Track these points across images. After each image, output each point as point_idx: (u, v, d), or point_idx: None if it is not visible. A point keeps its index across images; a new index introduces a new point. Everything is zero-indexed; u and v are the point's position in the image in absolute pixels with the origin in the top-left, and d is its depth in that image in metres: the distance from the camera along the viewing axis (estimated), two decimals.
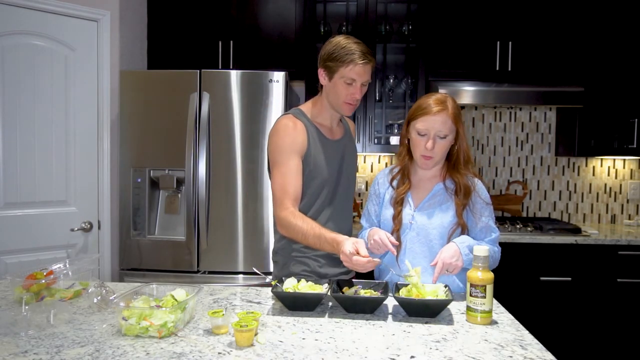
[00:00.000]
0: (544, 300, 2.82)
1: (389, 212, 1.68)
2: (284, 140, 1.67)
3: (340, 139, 1.81)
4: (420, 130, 1.59)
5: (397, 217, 1.65)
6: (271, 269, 2.64)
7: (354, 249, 1.42)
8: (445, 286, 1.45)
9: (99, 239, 2.81)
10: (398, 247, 1.62)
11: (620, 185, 3.45)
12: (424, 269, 1.59)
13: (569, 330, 2.83)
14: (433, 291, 1.43)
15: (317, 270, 1.72)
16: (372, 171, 3.52)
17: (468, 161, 1.65)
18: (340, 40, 1.69)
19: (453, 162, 1.65)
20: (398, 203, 1.66)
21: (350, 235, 1.79)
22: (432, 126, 1.57)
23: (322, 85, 1.75)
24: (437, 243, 1.60)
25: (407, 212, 1.65)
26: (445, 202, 1.63)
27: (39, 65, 2.60)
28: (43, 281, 1.45)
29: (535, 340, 1.22)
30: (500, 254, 1.67)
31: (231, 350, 1.13)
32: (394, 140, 3.28)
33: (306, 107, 1.79)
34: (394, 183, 1.72)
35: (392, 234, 1.63)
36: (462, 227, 1.60)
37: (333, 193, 1.75)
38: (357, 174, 3.50)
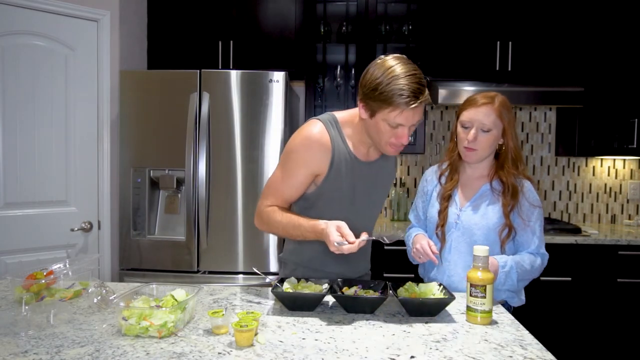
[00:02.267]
0: (544, 300, 2.82)
1: (435, 209, 1.70)
2: (300, 153, 1.50)
3: (375, 160, 1.59)
4: (464, 122, 1.62)
5: (442, 212, 1.67)
6: (271, 269, 2.66)
7: (340, 238, 1.36)
8: (440, 284, 1.45)
9: (99, 239, 2.81)
10: (443, 245, 1.66)
11: (620, 185, 3.45)
12: (468, 267, 1.61)
13: (569, 330, 2.83)
14: (429, 290, 1.43)
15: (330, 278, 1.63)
16: None
17: (517, 161, 1.63)
18: (385, 71, 1.35)
19: (502, 162, 1.64)
20: (445, 198, 1.68)
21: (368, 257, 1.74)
22: (475, 118, 1.59)
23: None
24: (482, 243, 1.61)
25: (453, 211, 1.66)
26: (492, 203, 1.63)
27: (39, 65, 2.60)
28: (43, 281, 1.45)
29: (535, 340, 1.22)
30: (542, 267, 1.64)
31: (231, 350, 1.13)
32: None
33: (345, 118, 1.55)
34: (442, 179, 1.73)
35: (436, 228, 1.67)
36: (509, 228, 1.59)
37: (355, 217, 1.57)
38: None
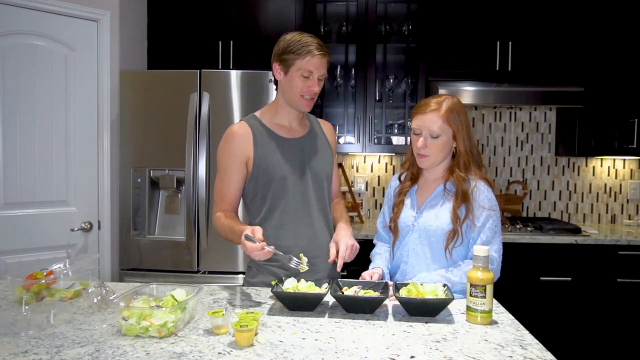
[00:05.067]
0: (544, 300, 2.82)
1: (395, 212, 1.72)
2: (225, 147, 1.70)
3: (302, 137, 1.76)
4: (414, 129, 1.64)
5: (397, 206, 1.69)
6: None
7: (250, 233, 1.42)
8: (444, 285, 1.45)
9: (99, 239, 2.81)
10: (396, 237, 1.69)
11: (620, 185, 3.45)
12: (428, 269, 1.62)
13: (569, 330, 2.83)
14: (432, 290, 1.43)
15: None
16: (372, 171, 3.52)
17: (469, 164, 1.62)
18: (294, 35, 1.68)
19: (453, 166, 1.64)
20: (402, 193, 1.71)
21: (331, 232, 1.77)
22: (423, 125, 1.60)
23: (277, 84, 1.74)
24: (438, 245, 1.60)
25: (410, 213, 1.67)
26: (445, 204, 1.62)
27: (38, 65, 2.60)
28: (43, 281, 1.45)
29: (535, 340, 1.22)
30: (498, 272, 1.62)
31: (231, 350, 1.13)
32: (394, 140, 3.28)
33: (261, 110, 1.79)
34: (402, 177, 1.75)
35: (390, 222, 1.71)
36: (454, 233, 1.57)
37: (300, 191, 1.70)
38: (357, 174, 3.50)
